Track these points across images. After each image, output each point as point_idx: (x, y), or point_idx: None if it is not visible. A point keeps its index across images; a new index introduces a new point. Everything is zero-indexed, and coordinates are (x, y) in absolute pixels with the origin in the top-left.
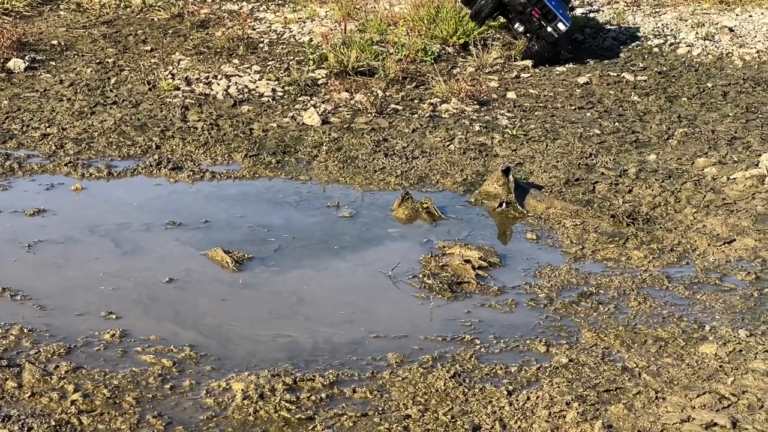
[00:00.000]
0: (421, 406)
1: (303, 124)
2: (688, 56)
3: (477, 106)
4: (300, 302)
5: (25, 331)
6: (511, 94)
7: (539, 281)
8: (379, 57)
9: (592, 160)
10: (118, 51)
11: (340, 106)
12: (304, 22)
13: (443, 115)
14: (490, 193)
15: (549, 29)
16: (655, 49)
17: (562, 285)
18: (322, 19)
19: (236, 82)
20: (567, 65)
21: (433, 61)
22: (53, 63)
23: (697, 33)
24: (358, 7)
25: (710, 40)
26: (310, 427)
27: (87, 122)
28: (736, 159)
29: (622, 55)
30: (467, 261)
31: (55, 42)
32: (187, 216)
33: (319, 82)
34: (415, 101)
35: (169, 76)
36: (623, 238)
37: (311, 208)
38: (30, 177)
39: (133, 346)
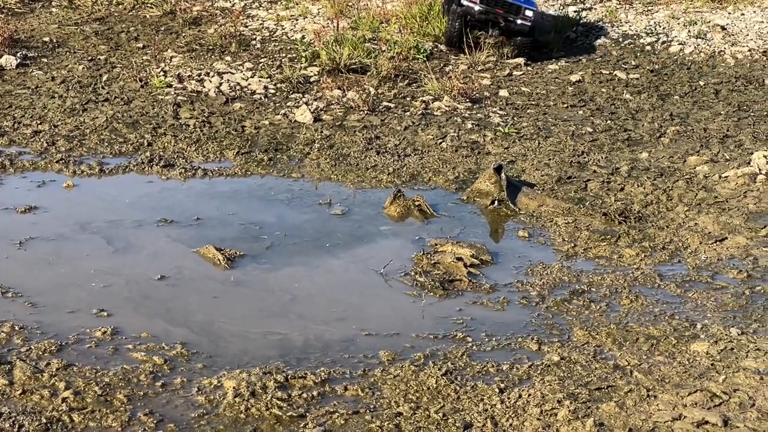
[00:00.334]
0: (412, 404)
1: (295, 121)
2: (681, 54)
3: (469, 104)
4: (292, 300)
5: (16, 328)
6: (503, 92)
7: (531, 279)
8: (371, 54)
9: (585, 158)
10: (110, 48)
11: (332, 104)
12: (297, 20)
13: (435, 113)
14: (483, 190)
15: (519, 21)
16: (648, 48)
17: (554, 283)
18: (315, 17)
19: (228, 80)
20: (559, 63)
21: (425, 58)
22: (45, 60)
23: (689, 31)
24: (350, 4)
25: (702, 39)
26: (302, 425)
27: (79, 119)
28: (728, 157)
29: (614, 53)
30: (459, 259)
31: (46, 39)
32: (179, 213)
33: (312, 79)
34: (408, 99)
35: (161, 73)
36: (615, 236)
37: (303, 206)
38: (21, 174)
39: (125, 343)
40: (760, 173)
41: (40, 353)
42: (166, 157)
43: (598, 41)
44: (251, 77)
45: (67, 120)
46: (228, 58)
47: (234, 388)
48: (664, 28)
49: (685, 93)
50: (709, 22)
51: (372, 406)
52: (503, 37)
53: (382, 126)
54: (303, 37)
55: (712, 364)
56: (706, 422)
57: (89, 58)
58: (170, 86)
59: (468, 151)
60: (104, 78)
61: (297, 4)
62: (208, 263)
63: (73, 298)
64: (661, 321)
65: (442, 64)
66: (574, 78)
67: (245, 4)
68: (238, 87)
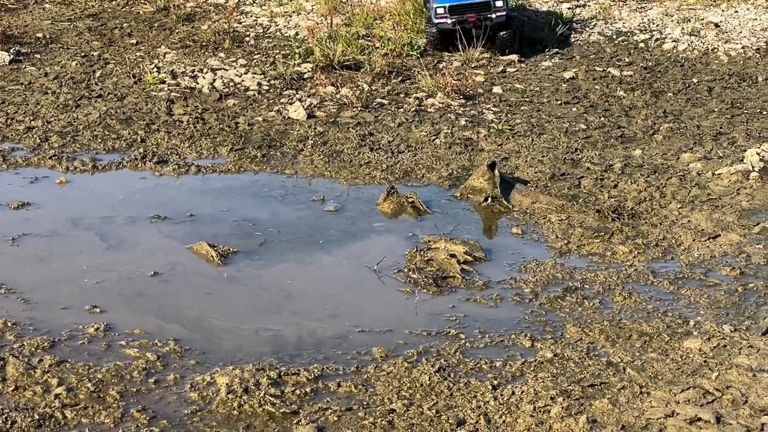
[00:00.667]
0: (405, 401)
1: (288, 118)
2: (674, 51)
3: (463, 101)
4: (285, 296)
5: (9, 324)
6: (497, 89)
7: (524, 276)
8: (365, 51)
9: (578, 155)
10: (103, 44)
11: (325, 100)
12: (290, 16)
13: (429, 110)
14: (476, 187)
15: (493, 16)
16: (641, 45)
17: (547, 280)
18: (308, 13)
19: (222, 76)
20: (553, 60)
21: (419, 55)
22: (38, 56)
23: (683, 28)
24: (344, 1)
25: (696, 36)
26: (295, 422)
27: (72, 115)
28: (721, 154)
29: (608, 50)
30: (452, 255)
31: (40, 35)
32: (172, 210)
33: (305, 76)
34: (401, 95)
35: (155, 69)
36: (608, 233)
37: (297, 202)
38: (14, 170)
39: (118, 339)
40: (753, 170)
41: (33, 349)
42: (159, 153)
43: (592, 38)
44: (245, 74)
45: (60, 116)
46: (221, 54)
47: (227, 384)
48: (657, 26)
49: (678, 90)
50: (703, 19)
51: (365, 403)
52: (490, 33)
53: (376, 123)
54: (296, 34)
55: (704, 361)
56: (699, 419)
57: (82, 54)
58: (164, 82)
59: (461, 147)
60: (97, 74)
61: (291, 0)
62: (201, 260)
63: (65, 294)
64: (654, 318)
65: (435, 61)
66: (567, 75)
67: (239, 1)
68: (231, 83)
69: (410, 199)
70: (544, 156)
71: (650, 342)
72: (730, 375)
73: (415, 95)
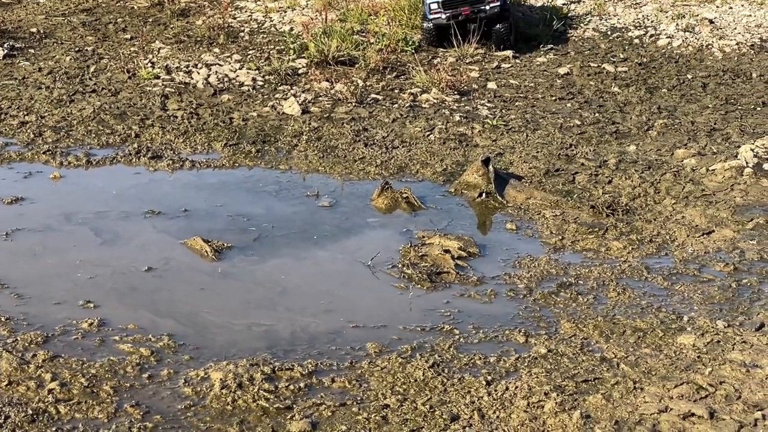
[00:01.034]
0: (399, 396)
1: (283, 113)
2: (669, 47)
3: (457, 96)
4: (279, 292)
5: (2, 319)
6: (491, 84)
7: (519, 271)
8: (359, 47)
9: (572, 150)
10: (97, 39)
11: (320, 96)
12: (285, 12)
13: (423, 105)
14: (470, 183)
15: (487, 7)
16: (636, 41)
17: (541, 275)
18: (303, 9)
19: (216, 71)
20: (548, 56)
21: (413, 50)
22: (32, 51)
23: (677, 24)
24: None
25: (690, 32)
26: (289, 417)
27: (66, 110)
28: (715, 150)
29: (602, 46)
30: (447, 251)
31: (34, 30)
32: (167, 205)
33: (300, 71)
34: (396, 91)
35: (149, 64)
36: (603, 228)
37: (291, 198)
38: (8, 165)
39: (111, 335)
40: (747, 166)
41: (27, 344)
42: (153, 148)
43: (587, 34)
44: (239, 69)
45: (54, 111)
46: (216, 49)
47: (221, 379)
48: (652, 21)
49: (673, 86)
50: (698, 15)
51: (359, 398)
52: (485, 27)
53: (370, 118)
54: (291, 29)
55: (698, 357)
56: (693, 414)
57: (77, 49)
58: (158, 77)
59: (456, 143)
60: (92, 69)
61: None
62: (195, 255)
63: (59, 289)
64: (648, 313)
65: (430, 57)
66: (562, 71)
67: None
68: (226, 79)
69: (404, 195)
70: (538, 152)
71: (644, 337)
72: (723, 370)
73: (409, 91)
